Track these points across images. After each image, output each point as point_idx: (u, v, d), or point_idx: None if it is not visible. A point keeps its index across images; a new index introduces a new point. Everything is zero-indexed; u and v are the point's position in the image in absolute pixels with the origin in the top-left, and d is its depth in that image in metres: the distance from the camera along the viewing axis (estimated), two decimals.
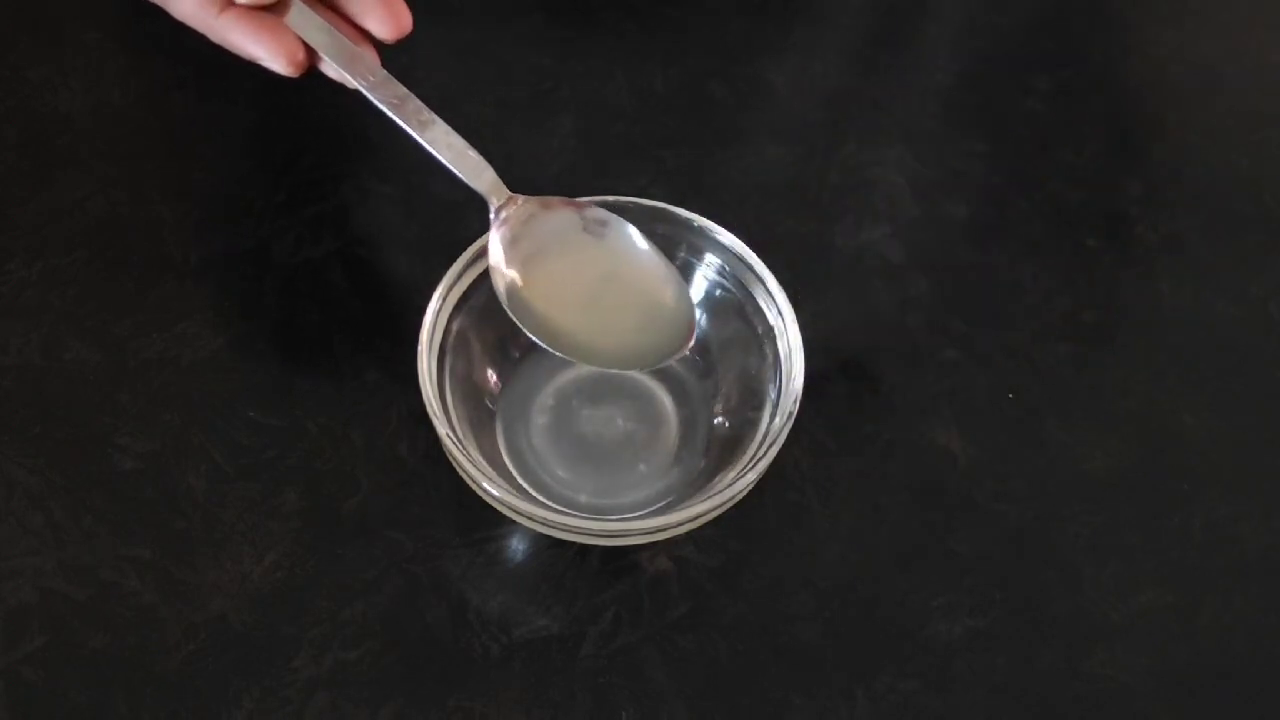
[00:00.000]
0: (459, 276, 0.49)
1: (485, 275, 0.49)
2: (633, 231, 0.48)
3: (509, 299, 0.46)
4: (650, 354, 0.46)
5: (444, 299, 0.48)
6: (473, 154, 0.47)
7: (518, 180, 0.52)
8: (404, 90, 0.47)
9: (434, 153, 0.47)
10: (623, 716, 0.46)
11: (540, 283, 0.47)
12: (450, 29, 0.63)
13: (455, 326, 0.49)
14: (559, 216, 0.48)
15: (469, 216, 0.51)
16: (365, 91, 0.47)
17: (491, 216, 0.47)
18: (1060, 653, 0.48)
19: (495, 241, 0.47)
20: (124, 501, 0.49)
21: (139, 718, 0.45)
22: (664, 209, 0.50)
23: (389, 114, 0.47)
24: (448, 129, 0.47)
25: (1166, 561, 0.50)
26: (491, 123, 0.60)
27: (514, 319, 0.46)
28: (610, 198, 0.50)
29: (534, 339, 0.46)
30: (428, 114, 0.47)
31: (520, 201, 0.47)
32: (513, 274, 0.47)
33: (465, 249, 0.49)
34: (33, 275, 0.54)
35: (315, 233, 0.56)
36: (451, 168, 0.47)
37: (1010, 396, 0.54)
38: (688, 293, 0.47)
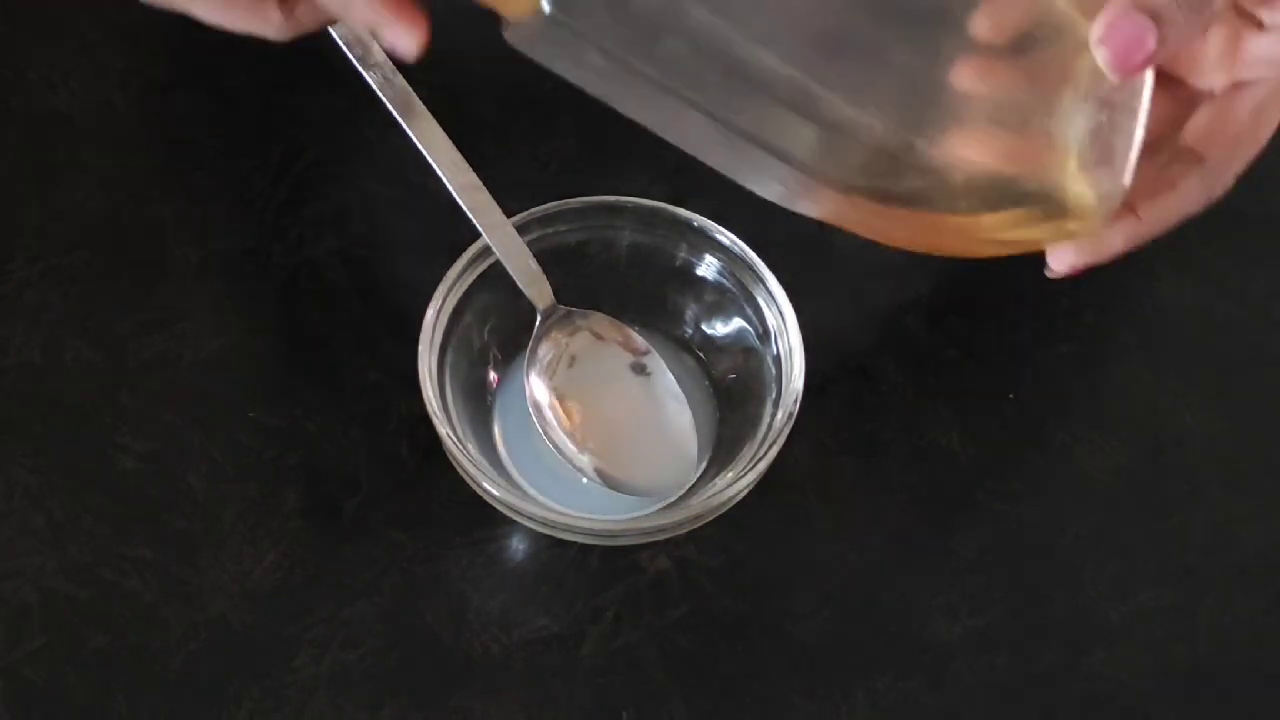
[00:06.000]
0: (459, 276, 0.49)
1: (486, 275, 0.49)
2: (669, 379, 0.50)
3: (535, 410, 0.49)
4: (651, 490, 0.49)
5: (444, 299, 0.48)
6: (533, 264, 0.49)
7: (517, 181, 0.52)
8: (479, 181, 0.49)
9: (497, 253, 0.49)
10: (623, 716, 0.46)
11: (571, 408, 0.49)
12: (451, 29, 0.63)
13: (455, 327, 0.49)
14: (608, 354, 0.50)
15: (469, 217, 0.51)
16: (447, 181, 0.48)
17: (538, 320, 0.49)
18: (1060, 653, 0.48)
19: (541, 353, 0.49)
20: (124, 501, 0.49)
21: (139, 718, 0.45)
22: (664, 209, 0.50)
23: (464, 208, 0.48)
24: (514, 232, 0.49)
25: (1166, 561, 0.50)
26: (491, 123, 0.60)
27: (538, 426, 0.49)
28: (610, 198, 0.50)
29: (552, 446, 0.48)
30: (498, 214, 0.48)
31: (575, 323, 0.50)
32: (549, 393, 0.49)
33: (465, 249, 0.49)
34: (33, 275, 0.54)
35: (315, 233, 0.56)
36: (510, 271, 0.49)
37: (1010, 397, 0.54)
38: (695, 440, 0.50)
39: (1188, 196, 0.44)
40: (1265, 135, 0.45)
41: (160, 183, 0.57)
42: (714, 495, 0.46)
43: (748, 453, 0.47)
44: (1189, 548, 0.51)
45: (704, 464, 0.50)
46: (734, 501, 0.46)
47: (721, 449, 0.50)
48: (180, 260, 0.55)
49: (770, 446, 0.46)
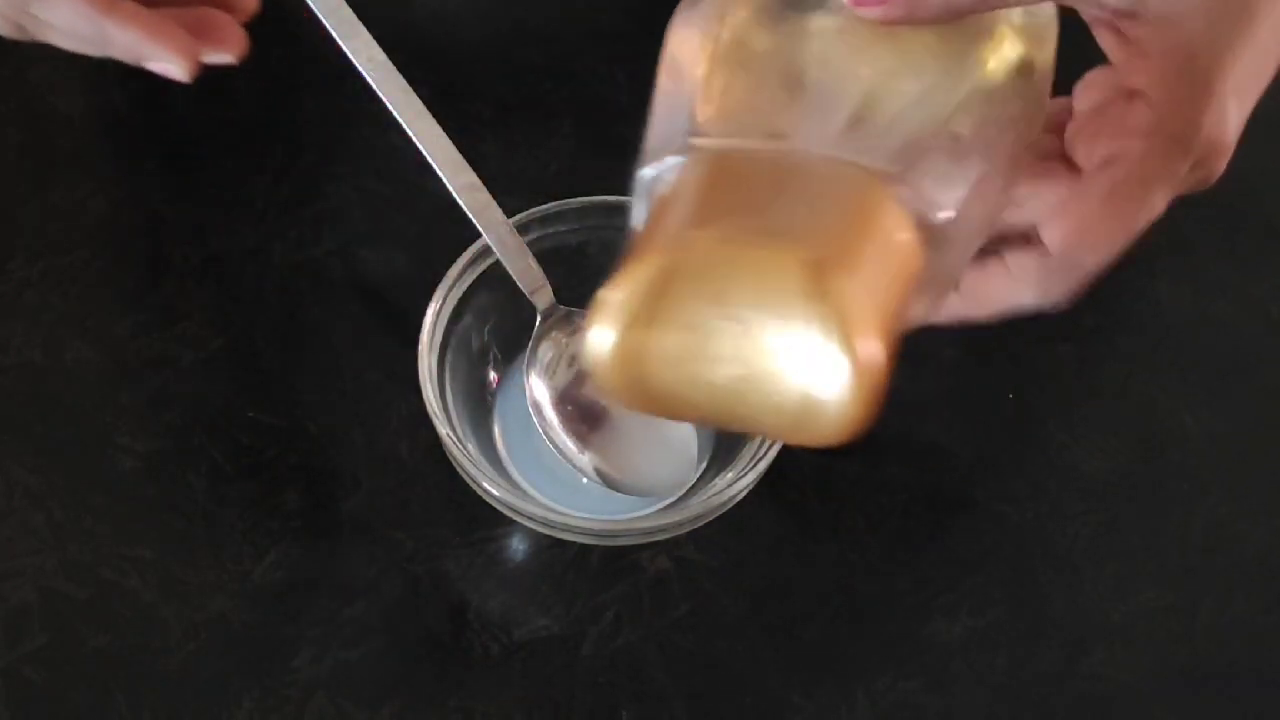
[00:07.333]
0: (459, 276, 0.49)
1: (485, 275, 0.49)
2: None
3: (535, 410, 0.49)
4: (651, 490, 0.49)
5: (444, 299, 0.48)
6: (533, 264, 0.49)
7: (517, 180, 0.52)
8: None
9: (497, 253, 0.48)
10: (623, 716, 0.46)
11: (571, 408, 0.49)
12: (451, 29, 0.63)
13: (455, 327, 0.49)
14: None
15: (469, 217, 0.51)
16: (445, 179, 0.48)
17: (538, 320, 0.49)
18: (1060, 653, 0.48)
19: (541, 353, 0.49)
20: (124, 501, 0.49)
21: (139, 718, 0.45)
22: None
23: (464, 208, 0.48)
24: (514, 232, 0.49)
25: (1166, 561, 0.50)
26: (491, 123, 0.60)
27: (538, 426, 0.48)
28: (611, 198, 0.50)
29: (552, 446, 0.48)
30: (498, 214, 0.48)
31: (575, 323, 0.49)
32: (549, 393, 0.49)
33: (465, 249, 0.49)
34: (33, 275, 0.54)
35: (315, 233, 0.56)
36: (510, 271, 0.48)
37: (1010, 396, 0.54)
38: (695, 440, 0.50)
39: (1020, 287, 0.37)
40: (1123, 230, 0.36)
41: (160, 183, 0.57)
42: (714, 495, 0.46)
43: (748, 453, 0.47)
44: (1189, 548, 0.51)
45: (704, 464, 0.50)
46: (734, 501, 0.46)
47: (721, 449, 0.50)
48: (180, 260, 0.55)
49: (770, 446, 0.46)
